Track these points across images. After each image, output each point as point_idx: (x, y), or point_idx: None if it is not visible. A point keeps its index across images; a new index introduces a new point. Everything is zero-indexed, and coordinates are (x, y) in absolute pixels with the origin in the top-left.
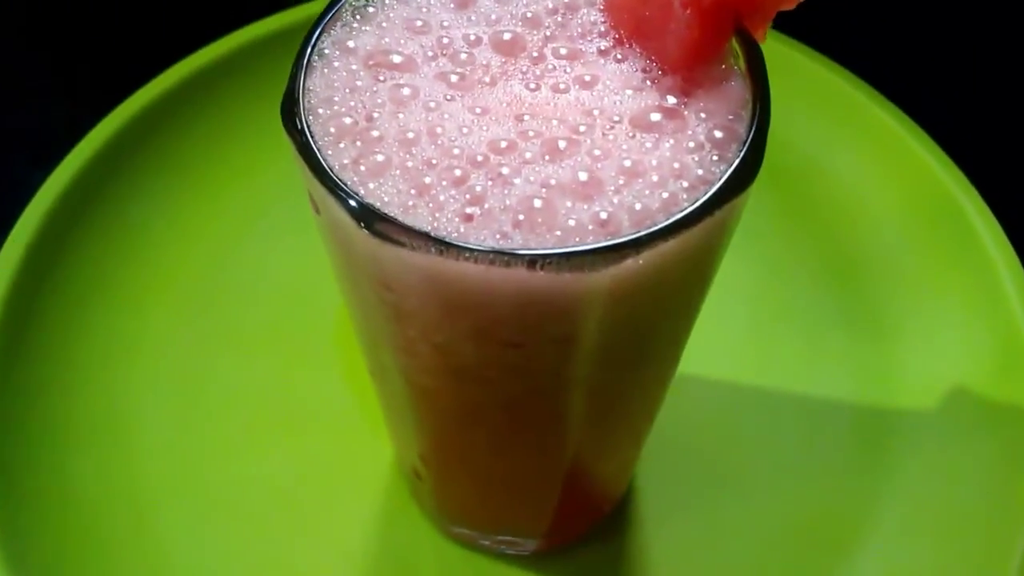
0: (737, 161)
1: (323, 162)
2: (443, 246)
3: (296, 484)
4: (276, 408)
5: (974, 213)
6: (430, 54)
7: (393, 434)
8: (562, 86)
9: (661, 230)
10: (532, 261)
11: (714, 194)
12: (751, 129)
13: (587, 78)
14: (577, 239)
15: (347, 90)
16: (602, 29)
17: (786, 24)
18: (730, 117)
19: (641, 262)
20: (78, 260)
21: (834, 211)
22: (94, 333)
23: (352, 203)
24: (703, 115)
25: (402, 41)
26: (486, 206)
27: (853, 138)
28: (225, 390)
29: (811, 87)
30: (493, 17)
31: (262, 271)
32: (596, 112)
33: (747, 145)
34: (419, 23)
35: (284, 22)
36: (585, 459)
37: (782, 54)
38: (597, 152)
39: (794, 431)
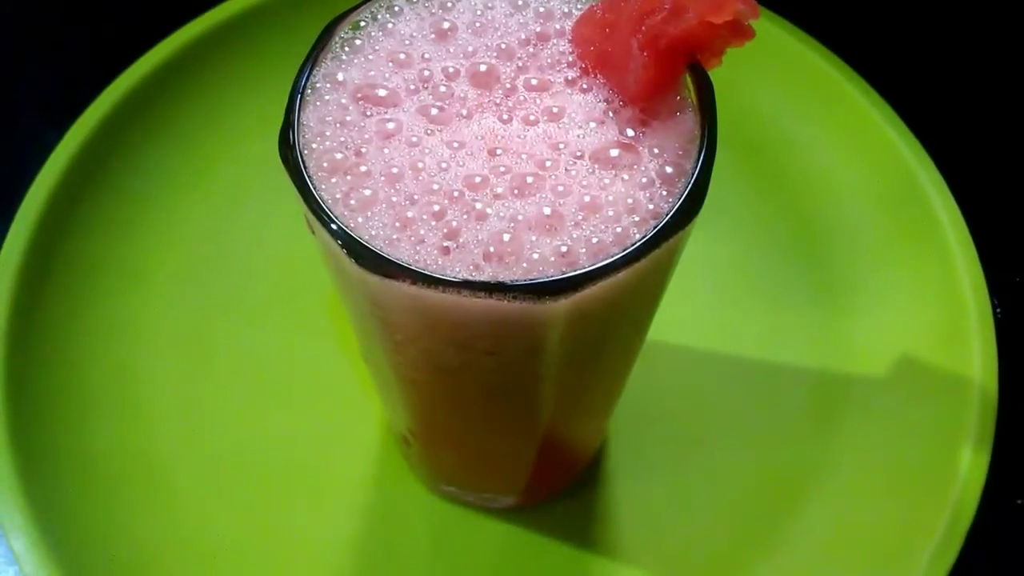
0: (683, 197)
1: (318, 199)
2: (422, 278)
3: (295, 443)
4: (276, 371)
5: (933, 191)
6: (412, 87)
7: (385, 408)
8: (532, 118)
9: (614, 263)
10: (500, 292)
11: (661, 229)
12: (697, 164)
13: (555, 109)
14: (541, 269)
15: (338, 124)
16: (570, 59)
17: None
18: (679, 152)
19: (596, 290)
20: (85, 232)
21: (801, 185)
22: (103, 301)
23: (344, 238)
24: (656, 150)
25: (387, 75)
26: (461, 240)
27: (823, 113)
28: (227, 353)
29: (785, 61)
30: (470, 49)
31: (261, 240)
32: (561, 146)
33: (692, 181)
34: (402, 56)
35: None
36: (557, 434)
37: (763, 30)
38: (560, 188)
39: (755, 395)
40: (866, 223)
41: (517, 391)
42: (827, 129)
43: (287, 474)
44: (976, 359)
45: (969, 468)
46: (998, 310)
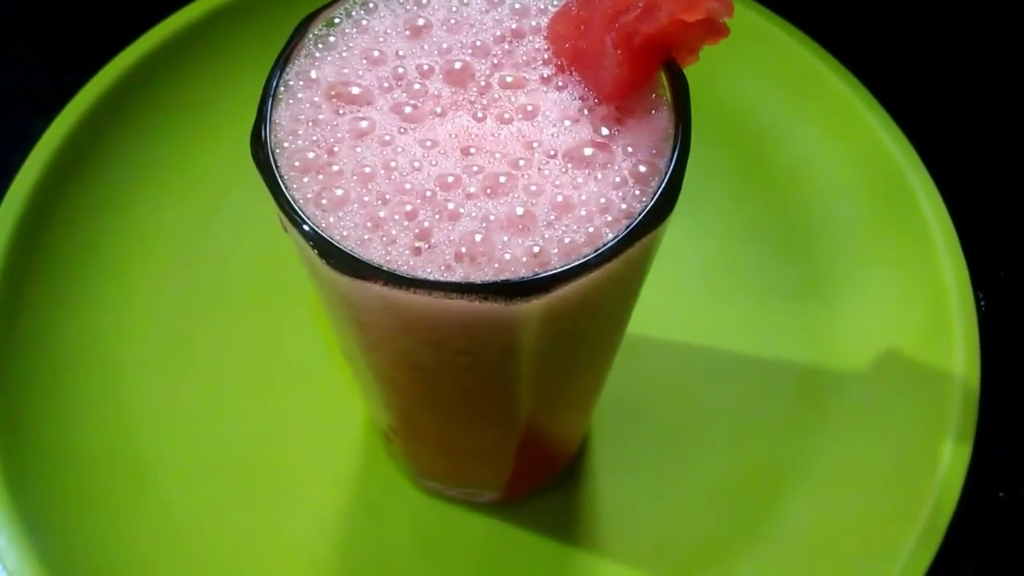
0: (656, 197)
1: (289, 198)
2: (393, 279)
3: (279, 438)
4: (260, 367)
5: (918, 184)
6: (386, 85)
7: (366, 404)
8: (506, 116)
9: (586, 263)
10: (472, 293)
11: (634, 229)
12: (670, 163)
13: (529, 108)
14: (512, 270)
15: (310, 123)
16: (546, 56)
17: None
18: (653, 151)
19: (568, 291)
20: (68, 227)
21: (785, 178)
22: (87, 296)
23: (315, 238)
24: (630, 149)
25: (360, 72)
26: (433, 240)
27: (808, 106)
28: (211, 348)
29: (770, 53)
30: (445, 46)
31: (246, 236)
32: (535, 144)
33: (665, 180)
34: (376, 53)
35: None
36: (537, 430)
37: (746, 19)
38: (533, 188)
39: (739, 390)
40: (851, 216)
41: (494, 389)
42: (812, 122)
43: (271, 469)
44: (959, 353)
45: (951, 461)
46: (982, 304)
